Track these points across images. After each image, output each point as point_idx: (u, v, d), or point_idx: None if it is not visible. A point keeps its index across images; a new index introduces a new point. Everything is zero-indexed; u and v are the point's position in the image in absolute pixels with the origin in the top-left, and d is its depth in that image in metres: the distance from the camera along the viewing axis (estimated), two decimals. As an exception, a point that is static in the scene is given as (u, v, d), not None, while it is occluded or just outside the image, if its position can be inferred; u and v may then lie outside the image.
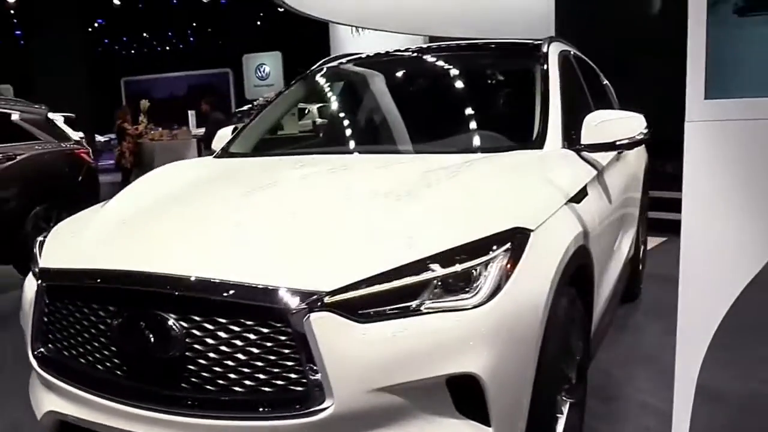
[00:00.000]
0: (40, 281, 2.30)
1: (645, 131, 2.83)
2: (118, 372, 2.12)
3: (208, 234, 2.24)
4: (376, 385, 1.83)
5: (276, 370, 1.89)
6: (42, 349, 2.31)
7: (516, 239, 2.06)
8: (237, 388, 1.93)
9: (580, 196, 2.67)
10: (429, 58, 3.88)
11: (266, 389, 1.90)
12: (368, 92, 3.83)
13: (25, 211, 5.93)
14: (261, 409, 1.89)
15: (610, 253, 3.27)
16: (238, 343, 1.91)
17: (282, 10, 9.09)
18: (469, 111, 3.24)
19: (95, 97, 22.54)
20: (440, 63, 3.73)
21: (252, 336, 1.90)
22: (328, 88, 4.04)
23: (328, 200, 2.39)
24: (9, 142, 5.95)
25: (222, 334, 1.93)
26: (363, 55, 3.96)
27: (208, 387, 1.96)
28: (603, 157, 3.18)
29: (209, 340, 1.94)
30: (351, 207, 2.29)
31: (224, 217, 2.37)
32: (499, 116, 3.15)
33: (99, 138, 16.89)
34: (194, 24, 33.30)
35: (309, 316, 1.83)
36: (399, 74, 3.95)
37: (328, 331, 1.83)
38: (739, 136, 2.16)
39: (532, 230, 2.14)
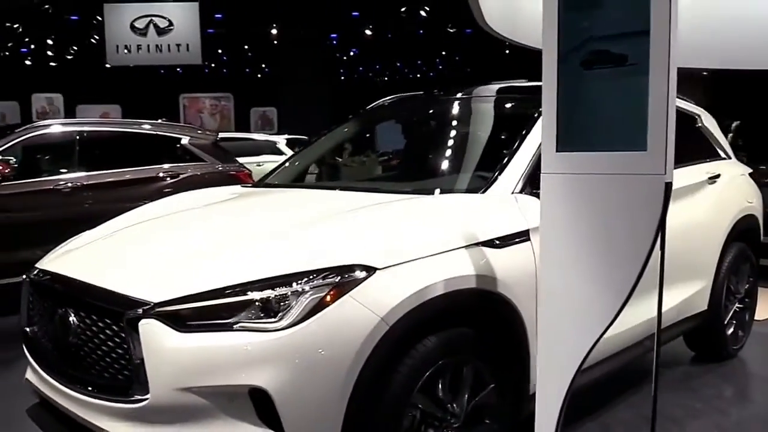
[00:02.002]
0: (25, 275, 2.89)
1: None
2: (54, 353, 2.63)
3: (124, 251, 2.75)
4: (184, 386, 2.13)
5: (123, 362, 2.29)
6: (27, 329, 2.88)
7: (349, 274, 2.23)
8: (105, 374, 2.37)
9: (505, 242, 2.68)
10: (439, 102, 4.02)
11: (119, 377, 2.31)
12: (365, 136, 4.08)
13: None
14: (111, 393, 2.30)
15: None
16: (102, 337, 2.36)
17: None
18: (439, 154, 3.37)
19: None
20: (445, 108, 3.86)
21: (110, 333, 2.33)
22: (355, 129, 4.33)
23: (225, 229, 2.77)
24: (176, 163, 6.94)
25: (95, 329, 2.39)
26: (388, 100, 4.19)
27: (92, 370, 2.41)
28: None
29: (88, 333, 2.41)
30: (230, 236, 2.62)
31: (149, 238, 2.86)
32: (469, 160, 3.22)
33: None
34: (443, 53, 34.59)
35: (139, 322, 2.19)
36: (407, 118, 4.14)
37: (152, 336, 2.18)
38: (585, 189, 2.14)
39: (378, 268, 2.28)
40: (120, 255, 2.74)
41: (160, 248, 2.69)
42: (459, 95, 4.01)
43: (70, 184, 6.12)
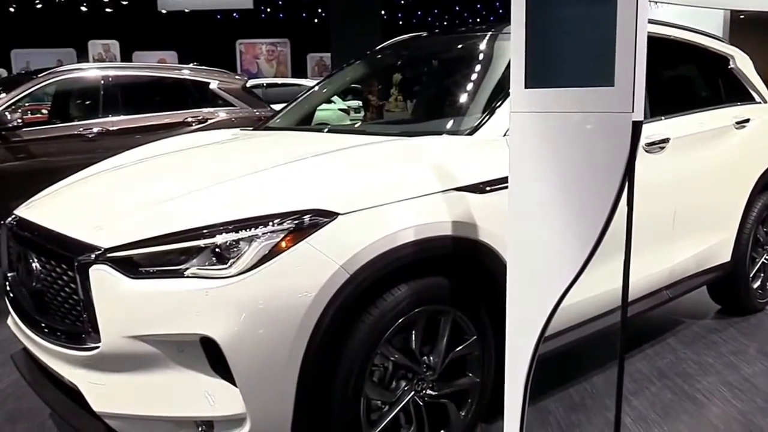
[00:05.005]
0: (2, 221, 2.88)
1: None
2: (25, 298, 2.62)
3: (90, 195, 2.71)
4: (134, 334, 2.06)
5: (78, 309, 2.23)
6: (9, 275, 2.87)
7: (306, 219, 2.11)
8: (65, 320, 2.32)
9: (492, 186, 2.53)
10: (437, 43, 3.82)
11: (77, 324, 2.26)
12: (368, 77, 3.91)
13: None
14: (69, 340, 2.26)
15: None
16: (60, 282, 2.30)
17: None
18: (432, 96, 3.22)
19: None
20: (441, 49, 3.67)
21: (66, 278, 2.27)
22: (359, 71, 4.17)
23: (196, 173, 2.69)
24: (206, 107, 6.89)
25: (53, 274, 2.34)
26: (399, 39, 4.01)
27: (53, 317, 2.38)
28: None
29: (48, 278, 2.36)
30: (197, 180, 2.51)
31: (118, 182, 2.81)
32: (460, 101, 3.06)
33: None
34: None
35: (90, 267, 2.13)
36: (406, 61, 3.95)
37: (102, 282, 2.11)
38: (554, 128, 1.98)
39: (340, 213, 2.16)
40: (84, 200, 2.69)
41: (124, 192, 2.63)
42: (455, 35, 3.81)
43: (95, 129, 6.14)
